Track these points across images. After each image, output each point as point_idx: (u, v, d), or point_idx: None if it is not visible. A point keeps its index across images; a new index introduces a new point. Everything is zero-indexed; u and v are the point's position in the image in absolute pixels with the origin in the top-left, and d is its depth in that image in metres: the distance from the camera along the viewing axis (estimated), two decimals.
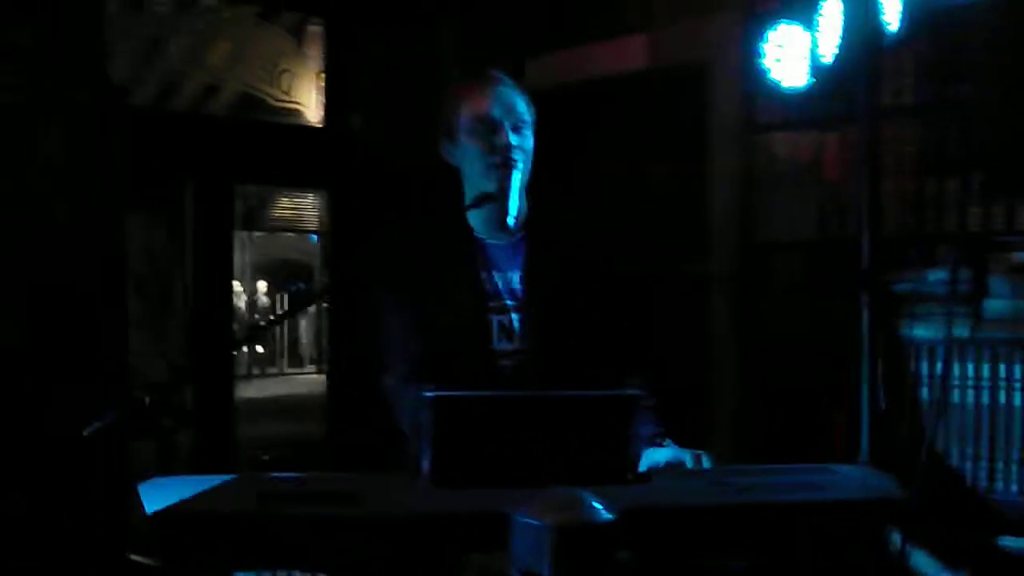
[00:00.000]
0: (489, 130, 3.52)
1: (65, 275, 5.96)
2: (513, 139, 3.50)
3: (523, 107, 3.59)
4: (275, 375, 16.06)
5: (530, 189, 3.65)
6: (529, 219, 3.65)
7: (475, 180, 3.56)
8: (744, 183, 5.61)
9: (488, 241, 3.60)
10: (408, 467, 3.24)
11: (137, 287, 7.78)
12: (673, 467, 3.09)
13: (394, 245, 3.65)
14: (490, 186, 3.48)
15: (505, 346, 3.52)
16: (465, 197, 3.59)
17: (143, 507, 2.34)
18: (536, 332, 3.52)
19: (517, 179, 3.46)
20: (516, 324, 3.53)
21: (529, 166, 3.58)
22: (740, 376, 5.60)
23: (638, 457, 3.11)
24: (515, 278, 3.58)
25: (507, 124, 3.52)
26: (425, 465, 2.59)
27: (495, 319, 3.53)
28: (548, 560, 2.14)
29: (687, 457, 3.13)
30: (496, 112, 3.53)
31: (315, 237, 14.57)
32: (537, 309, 3.54)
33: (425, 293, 3.54)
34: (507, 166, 3.46)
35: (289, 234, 14.57)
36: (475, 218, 3.59)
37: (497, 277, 3.58)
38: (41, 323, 5.85)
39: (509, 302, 3.55)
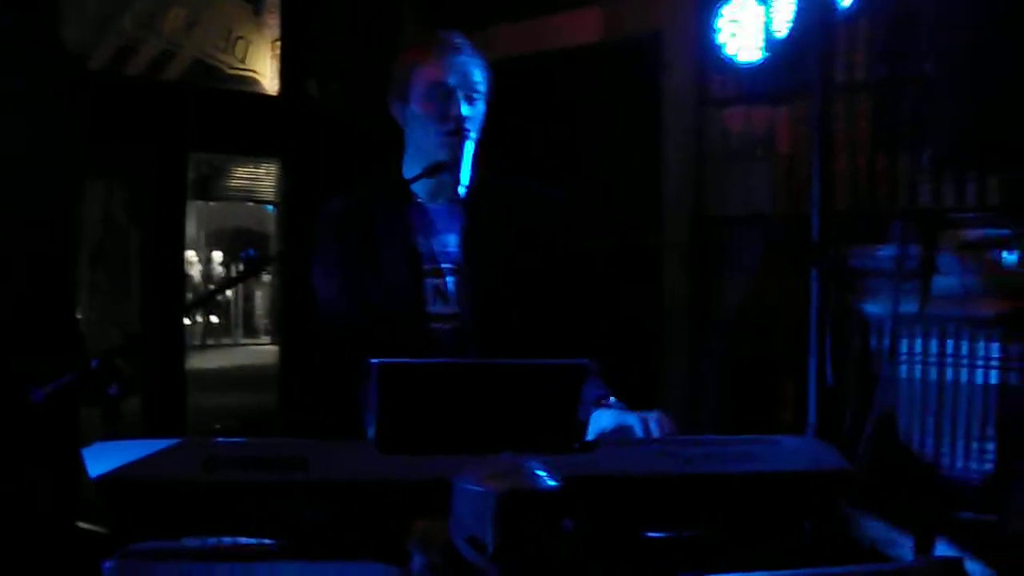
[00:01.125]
0: (443, 98, 3.48)
1: (17, 241, 5.94)
2: (465, 109, 3.47)
3: (479, 76, 3.55)
4: (229, 346, 16.01)
5: (477, 155, 3.61)
6: (476, 183, 3.60)
7: (425, 147, 3.51)
8: (697, 156, 5.63)
9: (429, 205, 3.56)
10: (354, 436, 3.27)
11: (94, 255, 7.75)
12: (621, 431, 3.09)
13: (329, 215, 3.62)
14: (442, 154, 3.45)
15: (440, 309, 3.49)
16: (408, 158, 3.58)
17: (87, 472, 2.33)
18: (473, 296, 3.49)
19: (470, 149, 3.45)
20: (451, 287, 3.50)
21: (478, 135, 3.55)
22: (693, 347, 5.62)
23: (585, 423, 3.13)
24: (452, 241, 3.55)
25: (461, 94, 3.49)
26: (371, 432, 2.59)
27: (430, 282, 3.50)
28: (491, 527, 2.14)
29: (635, 421, 3.09)
30: (452, 80, 3.48)
31: (271, 207, 14.49)
32: (475, 273, 3.51)
33: (357, 258, 3.53)
34: (460, 135, 3.44)
35: (247, 204, 14.50)
36: (420, 184, 3.55)
37: (433, 240, 3.55)
38: None
39: (445, 265, 3.53)
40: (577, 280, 3.62)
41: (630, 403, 3.29)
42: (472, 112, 3.50)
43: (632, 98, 6.08)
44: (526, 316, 3.47)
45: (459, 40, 3.59)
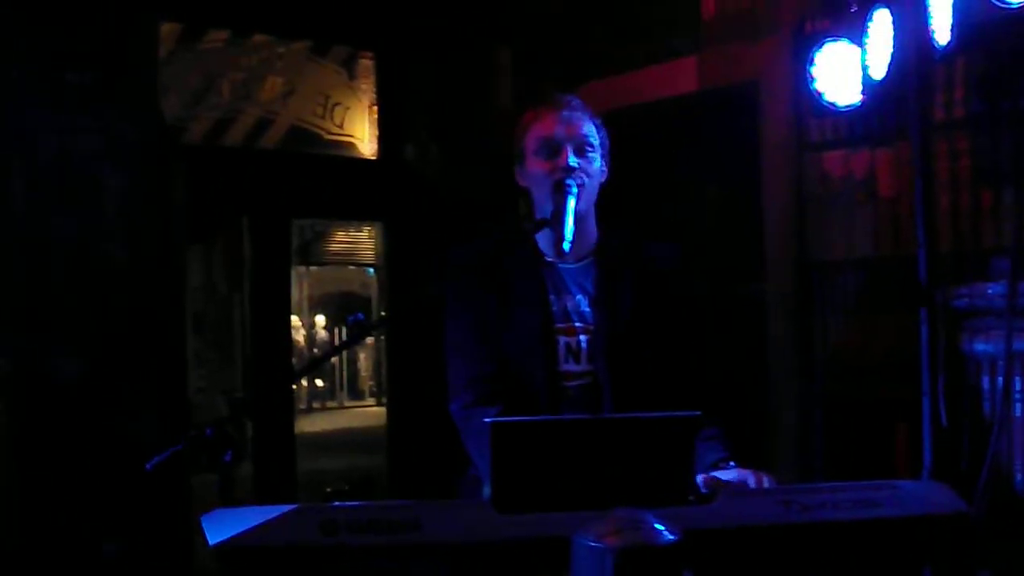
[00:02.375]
0: (552, 151, 3.54)
1: (127, 312, 6.01)
2: (573, 160, 3.50)
3: (589, 129, 3.59)
4: (335, 408, 16.10)
5: (602, 213, 3.68)
6: (600, 242, 3.67)
7: (540, 202, 3.58)
8: (797, 202, 5.58)
9: (559, 265, 3.60)
10: (474, 493, 3.27)
11: (196, 324, 7.82)
12: (736, 487, 3.05)
13: (462, 263, 3.66)
14: (547, 209, 3.49)
15: (571, 367, 3.51)
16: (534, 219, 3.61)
17: (206, 539, 2.33)
18: (606, 355, 3.51)
19: (572, 203, 3.43)
20: (584, 345, 3.53)
21: (595, 189, 3.60)
22: (800, 394, 5.54)
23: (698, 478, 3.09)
24: (582, 300, 3.58)
25: (569, 146, 3.53)
26: (487, 491, 2.58)
27: (562, 340, 3.53)
28: None
29: (750, 478, 3.10)
30: (559, 133, 3.54)
31: (372, 270, 14.59)
32: (607, 332, 3.53)
33: (492, 311, 3.55)
34: (562, 189, 3.46)
35: (347, 267, 14.61)
36: (543, 241, 3.60)
37: (566, 299, 3.58)
38: (104, 359, 5.90)
39: (578, 324, 3.56)
40: (693, 333, 3.65)
41: (744, 460, 3.29)
42: (581, 164, 3.53)
43: (731, 146, 6.05)
44: (653, 371, 3.51)
45: (570, 97, 3.66)
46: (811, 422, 5.50)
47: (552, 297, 3.57)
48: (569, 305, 3.57)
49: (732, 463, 3.25)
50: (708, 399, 3.37)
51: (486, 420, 2.53)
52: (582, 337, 3.54)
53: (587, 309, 3.57)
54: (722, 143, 6.16)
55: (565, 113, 3.57)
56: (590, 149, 3.56)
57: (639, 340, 3.52)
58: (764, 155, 5.74)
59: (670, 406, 2.92)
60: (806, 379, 5.53)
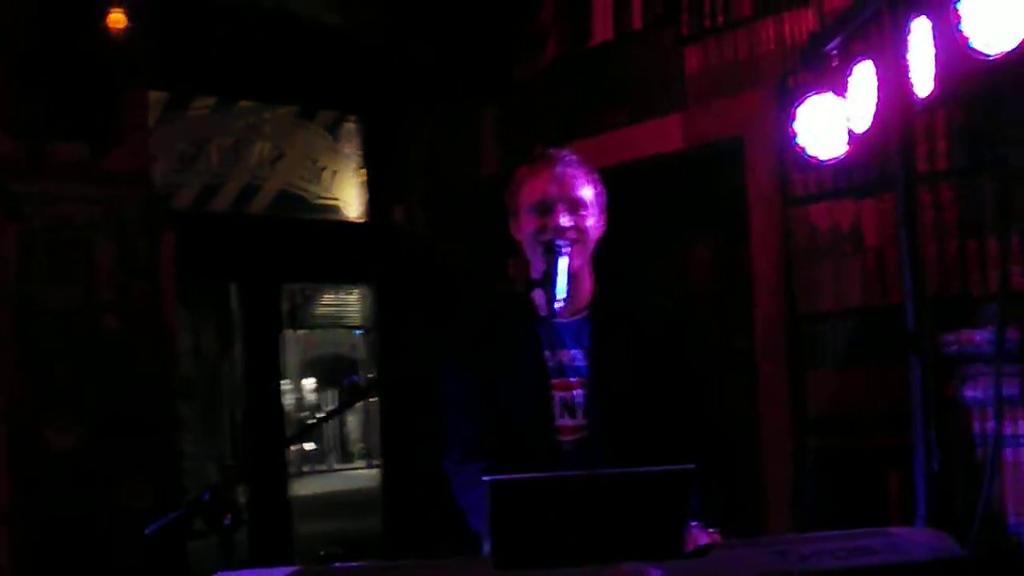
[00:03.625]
0: (544, 209, 3.55)
1: (119, 380, 6.01)
2: (564, 220, 3.52)
3: (583, 187, 3.60)
4: (325, 472, 16.05)
5: (599, 266, 3.70)
6: (596, 296, 3.68)
7: (533, 258, 3.59)
8: (785, 255, 5.59)
9: (554, 320, 3.58)
10: (468, 549, 3.28)
11: (185, 390, 7.81)
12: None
13: (458, 325, 3.72)
14: (538, 269, 3.51)
15: (567, 421, 3.53)
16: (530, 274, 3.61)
17: None
18: (601, 409, 3.52)
19: (563, 264, 3.44)
20: (579, 400, 3.53)
21: (590, 245, 3.61)
22: (793, 446, 5.55)
23: None
24: (578, 355, 3.59)
25: (562, 204, 3.54)
26: (486, 549, 2.58)
27: (557, 395, 3.54)
28: None
29: (701, 536, 3.18)
30: (551, 191, 3.55)
31: (359, 331, 14.58)
32: (602, 387, 3.54)
33: (487, 370, 3.58)
34: (553, 250, 3.47)
35: (337, 329, 14.59)
36: (538, 297, 3.57)
37: (561, 355, 3.58)
38: (99, 428, 5.90)
39: (572, 379, 3.56)
40: (689, 385, 3.67)
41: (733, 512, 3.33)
42: (573, 222, 3.54)
43: (718, 202, 6.07)
44: (647, 425, 3.53)
45: (564, 153, 3.67)
46: (803, 473, 5.50)
47: (547, 353, 3.58)
48: (564, 360, 3.58)
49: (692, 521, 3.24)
50: (701, 452, 3.34)
51: (484, 479, 2.54)
52: (577, 392, 3.54)
53: (582, 363, 3.58)
54: (709, 199, 6.16)
55: (559, 170, 3.58)
56: (583, 208, 3.57)
57: (635, 393, 3.54)
58: (751, 210, 5.75)
59: (664, 459, 2.91)
60: (798, 430, 5.53)
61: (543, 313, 3.57)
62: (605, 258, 3.74)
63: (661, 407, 3.56)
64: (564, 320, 3.58)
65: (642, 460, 3.12)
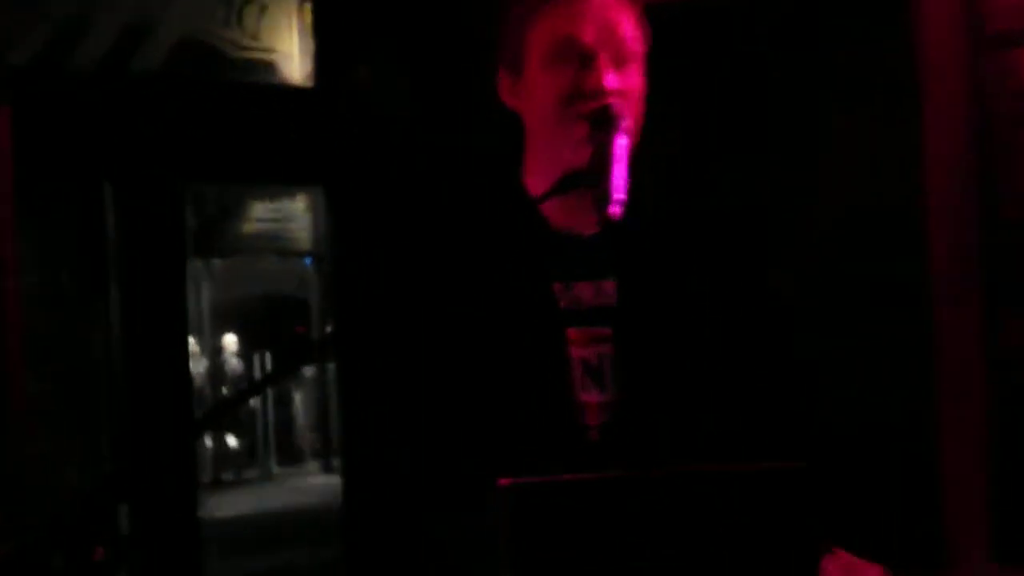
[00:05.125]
0: (577, 62, 3.34)
1: None
2: (610, 79, 3.31)
3: (630, 28, 3.41)
4: (257, 480, 16.14)
5: (638, 155, 3.44)
6: (633, 198, 3.39)
7: (554, 144, 3.39)
8: (977, 128, 5.56)
9: (569, 236, 3.44)
10: None
11: (31, 354, 7.71)
12: None
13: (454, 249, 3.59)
14: (579, 155, 3.36)
15: (593, 395, 3.41)
16: (530, 167, 3.47)
17: None
18: (642, 371, 3.43)
19: (623, 143, 3.24)
20: (608, 363, 3.43)
21: (640, 120, 3.39)
22: (985, 424, 5.55)
23: None
24: (607, 288, 3.45)
25: (606, 54, 3.34)
26: None
27: (577, 355, 3.42)
28: None
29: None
30: (588, 33, 3.36)
31: (309, 260, 14.60)
32: (643, 336, 3.44)
33: (480, 330, 3.41)
34: (604, 122, 3.25)
35: (272, 258, 14.57)
36: (553, 206, 3.43)
37: (581, 288, 3.43)
38: None
39: (599, 327, 3.43)
40: (777, 340, 3.62)
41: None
42: (623, 84, 3.33)
43: (870, 54, 6.01)
44: (719, 398, 3.44)
45: None
46: (1005, 470, 5.50)
47: (561, 288, 3.44)
48: (585, 297, 3.45)
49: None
50: (807, 441, 3.43)
51: (499, 482, 2.55)
52: (606, 348, 3.44)
53: (611, 302, 3.44)
54: (856, 50, 6.11)
55: (596, 1, 3.41)
56: (631, 58, 3.39)
57: (694, 350, 3.45)
58: (919, 59, 5.71)
59: (745, 452, 3.03)
60: (993, 402, 5.52)
61: (558, 228, 3.45)
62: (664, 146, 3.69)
63: (746, 371, 3.48)
64: (585, 235, 3.43)
65: (708, 454, 3.24)
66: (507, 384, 3.42)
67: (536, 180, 3.44)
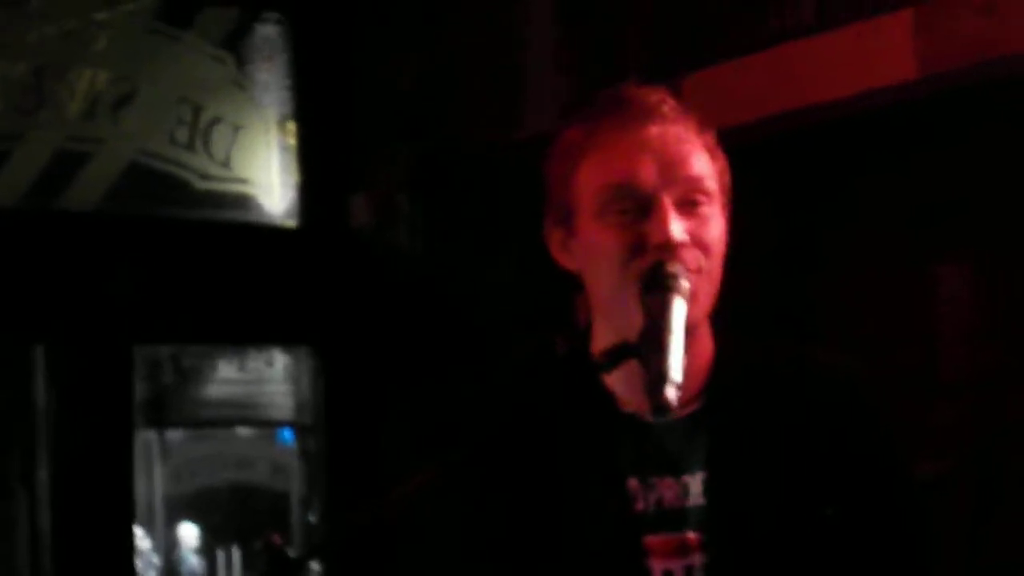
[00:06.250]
0: (635, 209, 3.43)
1: None
2: (677, 228, 3.40)
3: (700, 160, 3.51)
4: None
5: (720, 316, 3.58)
6: (718, 370, 3.59)
7: (610, 307, 3.52)
8: None
9: (646, 422, 3.47)
10: None
11: None
12: None
13: (474, 434, 3.48)
14: (628, 322, 3.40)
15: None
16: (596, 330, 3.59)
17: None
18: None
19: (681, 308, 3.32)
20: (699, 574, 3.48)
21: (718, 276, 3.49)
22: None
23: None
24: (693, 487, 3.53)
25: (669, 197, 3.42)
26: None
27: (658, 568, 3.48)
28: None
29: None
30: (647, 174, 3.46)
31: (289, 434, 14.71)
32: (739, 544, 3.49)
33: (527, 524, 3.54)
34: (659, 282, 3.36)
35: (238, 432, 14.64)
36: (617, 381, 3.51)
37: (663, 488, 3.53)
38: None
39: (685, 532, 3.49)
40: (904, 539, 3.62)
41: None
42: (693, 229, 3.42)
43: (986, 179, 6.20)
44: None
45: (660, 95, 3.55)
46: None
47: (636, 486, 3.54)
48: (668, 497, 3.52)
49: None
50: None
51: None
52: (695, 559, 3.49)
53: (701, 502, 3.52)
54: (960, 174, 6.31)
55: (655, 130, 3.48)
56: (705, 199, 3.46)
57: (809, 561, 3.49)
58: None
59: None
60: None
61: (629, 409, 3.53)
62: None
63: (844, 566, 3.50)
64: (664, 421, 3.44)
65: None
66: None
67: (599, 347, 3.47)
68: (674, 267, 3.36)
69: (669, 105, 3.50)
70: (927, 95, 6.22)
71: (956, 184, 6.37)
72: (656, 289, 3.33)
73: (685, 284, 3.34)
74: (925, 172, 6.38)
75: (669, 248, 3.35)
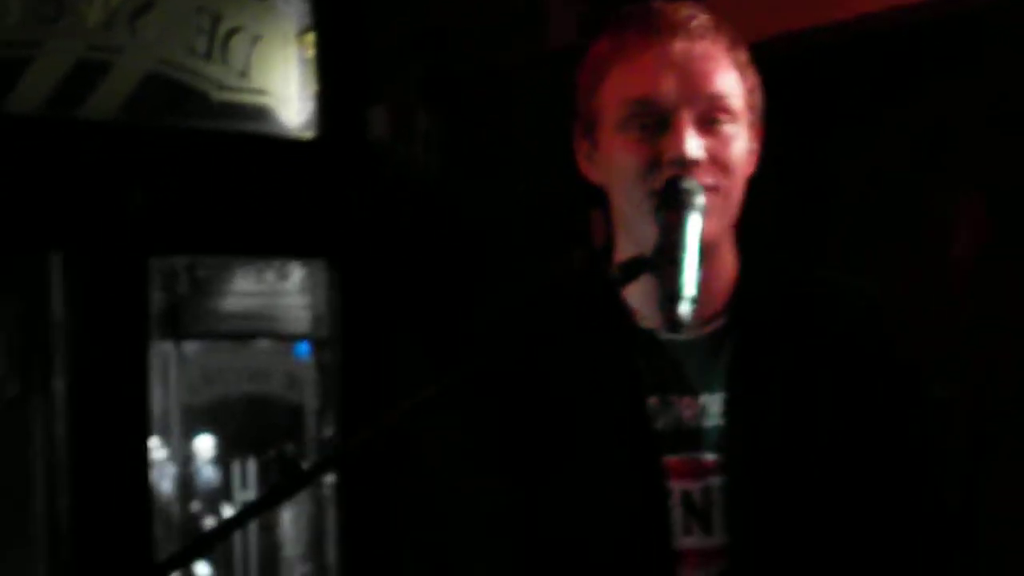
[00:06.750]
0: (655, 124, 3.51)
1: None
2: (695, 146, 3.47)
3: (727, 77, 3.58)
4: None
5: (745, 234, 3.71)
6: (740, 289, 3.69)
7: (630, 220, 3.61)
8: None
9: (666, 339, 3.59)
10: None
11: None
12: None
13: (488, 346, 3.60)
14: (647, 235, 3.46)
15: (694, 541, 3.55)
16: (619, 243, 3.70)
17: None
18: (757, 510, 3.54)
19: (695, 223, 3.38)
20: (718, 495, 3.56)
21: (739, 194, 3.60)
22: None
23: None
24: (713, 407, 3.60)
25: (689, 113, 3.50)
26: None
27: (677, 489, 3.54)
28: None
29: None
30: (668, 89, 3.52)
31: (306, 348, 14.68)
32: (760, 466, 3.55)
33: (542, 440, 3.62)
34: (676, 200, 3.42)
35: (258, 343, 14.62)
36: (635, 296, 3.62)
37: (681, 407, 3.59)
38: None
39: (706, 455, 3.57)
40: (920, 458, 3.69)
41: None
42: (713, 148, 3.50)
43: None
44: (848, 553, 3.56)
45: (688, 12, 3.61)
46: None
47: (654, 402, 3.59)
48: (686, 416, 3.59)
49: None
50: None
51: None
52: (712, 480, 3.55)
53: (720, 422, 3.58)
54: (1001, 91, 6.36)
55: (680, 46, 3.54)
56: (727, 118, 3.53)
57: (829, 482, 3.54)
58: None
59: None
60: None
61: (648, 326, 3.61)
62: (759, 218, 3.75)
63: (875, 504, 3.57)
64: (685, 338, 3.56)
65: None
66: (586, 527, 3.59)
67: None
68: (688, 183, 3.40)
69: (698, 20, 3.55)
70: (946, 15, 6.16)
71: (973, 110, 6.28)
72: (670, 204, 3.39)
73: (700, 200, 3.40)
74: (942, 97, 6.31)
75: (684, 164, 3.42)
